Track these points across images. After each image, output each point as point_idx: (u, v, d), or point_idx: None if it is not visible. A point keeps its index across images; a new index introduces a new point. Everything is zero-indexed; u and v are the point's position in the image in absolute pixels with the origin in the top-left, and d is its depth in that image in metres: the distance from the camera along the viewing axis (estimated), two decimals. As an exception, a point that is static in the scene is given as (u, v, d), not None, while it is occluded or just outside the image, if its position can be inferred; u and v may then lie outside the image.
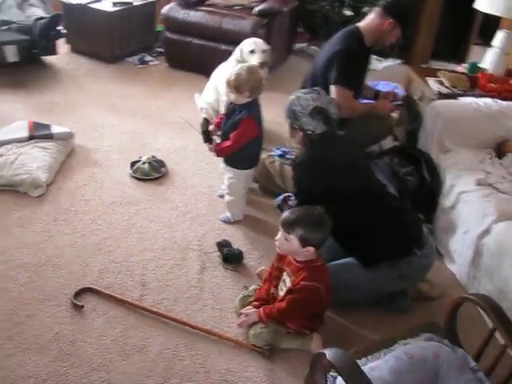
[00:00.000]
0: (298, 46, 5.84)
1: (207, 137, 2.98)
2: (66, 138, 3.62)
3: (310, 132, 2.50)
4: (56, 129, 3.63)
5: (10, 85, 4.49)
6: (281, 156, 3.70)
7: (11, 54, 4.32)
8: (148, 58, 5.26)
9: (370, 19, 3.23)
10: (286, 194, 3.27)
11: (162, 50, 5.28)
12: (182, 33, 4.91)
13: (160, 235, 3.02)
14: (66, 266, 2.73)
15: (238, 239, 3.03)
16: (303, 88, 3.38)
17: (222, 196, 3.28)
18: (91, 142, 3.81)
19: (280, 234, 2.30)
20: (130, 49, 5.19)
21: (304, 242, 2.22)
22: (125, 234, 2.99)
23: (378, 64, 5.64)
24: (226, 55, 4.56)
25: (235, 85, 2.82)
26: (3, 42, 4.24)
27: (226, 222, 3.16)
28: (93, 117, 4.16)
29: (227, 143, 2.90)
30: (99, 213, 3.14)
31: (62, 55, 5.02)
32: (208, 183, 3.49)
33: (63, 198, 3.23)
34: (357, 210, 2.43)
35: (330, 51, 3.18)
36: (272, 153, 3.71)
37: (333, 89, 3.17)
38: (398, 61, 5.80)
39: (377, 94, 3.60)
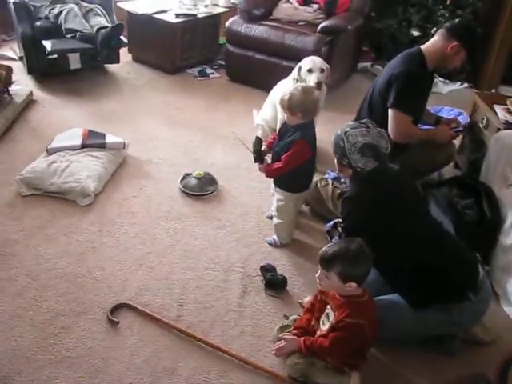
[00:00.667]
0: (362, 64, 5.68)
1: (259, 156, 2.88)
2: (119, 148, 3.60)
3: (359, 169, 2.35)
4: (109, 138, 3.62)
5: (71, 91, 4.56)
6: (335, 179, 3.55)
7: (74, 62, 4.38)
8: (209, 70, 5.23)
9: (434, 41, 3.05)
10: (337, 220, 3.13)
11: (223, 63, 5.24)
12: (243, 47, 4.85)
13: (204, 254, 2.93)
14: (106, 279, 2.68)
15: (283, 264, 2.91)
16: (361, 110, 3.27)
17: (270, 217, 3.16)
18: (144, 153, 3.78)
19: (320, 272, 2.17)
20: (192, 60, 5.18)
21: (344, 279, 2.08)
22: (168, 251, 2.92)
23: (443, 87, 5.41)
24: (287, 71, 4.47)
25: (288, 105, 2.71)
26: (67, 49, 4.30)
27: (273, 245, 3.05)
28: (148, 128, 4.14)
29: (278, 165, 2.79)
30: (145, 226, 3.08)
31: (124, 64, 5.07)
32: (257, 203, 3.39)
33: (110, 209, 3.20)
34: (408, 249, 2.27)
35: (389, 73, 3.02)
36: (326, 175, 3.57)
37: (390, 113, 3.01)
38: (465, 84, 5.54)
39: (438, 121, 3.40)
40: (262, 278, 2.78)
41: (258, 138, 2.93)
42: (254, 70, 4.84)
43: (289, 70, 4.52)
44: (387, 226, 2.27)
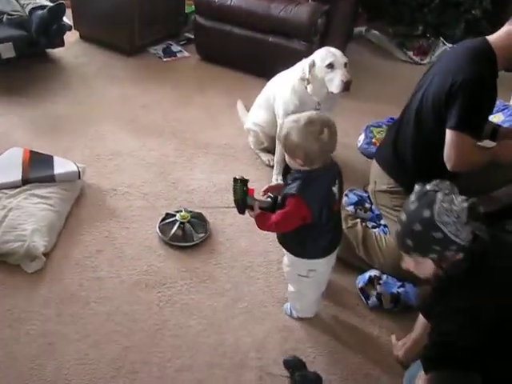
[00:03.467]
0: (356, 29, 4.79)
1: (243, 205, 1.98)
2: (73, 179, 2.72)
3: (453, 257, 1.58)
4: (59, 165, 2.74)
5: (5, 90, 3.58)
6: (357, 204, 2.77)
7: (6, 51, 3.39)
8: (175, 47, 4.28)
9: (505, 32, 2.22)
10: (373, 274, 2.39)
11: (192, 37, 4.28)
12: (218, 19, 3.91)
13: (203, 341, 2.15)
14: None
15: (311, 348, 2.17)
16: (402, 123, 2.46)
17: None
18: (105, 179, 2.91)
19: None
20: (154, 37, 4.20)
21: None
22: (154, 341, 2.13)
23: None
24: (275, 49, 3.64)
25: (284, 145, 1.88)
26: (-10, 40, 3.29)
27: (289, 316, 2.28)
28: (108, 138, 3.24)
29: (272, 219, 1.94)
30: (118, 301, 2.27)
31: (70, 45, 4.07)
32: (262, 248, 2.60)
33: (69, 275, 2.37)
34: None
35: (449, 78, 2.18)
36: (345, 199, 2.77)
37: (451, 135, 2.20)
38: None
39: (495, 130, 2.60)
40: (287, 376, 2.04)
41: (240, 180, 1.95)
42: (232, 47, 3.93)
43: (277, 48, 3.70)
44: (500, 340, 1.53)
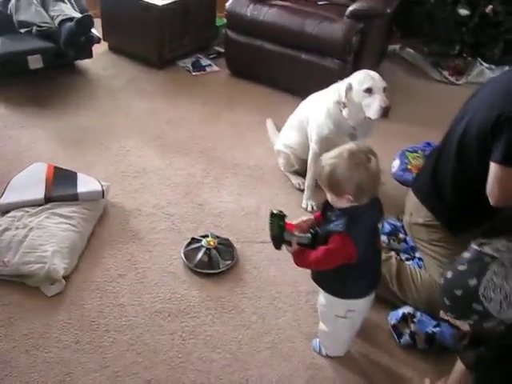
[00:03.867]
0: (389, 48, 4.65)
1: (280, 241, 1.87)
2: (96, 198, 2.64)
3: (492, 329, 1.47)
4: (83, 183, 2.66)
5: (31, 100, 3.53)
6: (390, 234, 2.65)
7: (34, 62, 3.34)
8: (205, 61, 4.19)
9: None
10: (406, 311, 2.26)
11: (222, 50, 4.20)
12: (249, 34, 3.82)
13: (227, 378, 2.04)
14: None
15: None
16: (444, 150, 2.33)
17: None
18: (130, 198, 2.82)
19: None
20: (184, 50, 4.11)
21: None
22: (176, 375, 2.03)
23: (490, 75, 4.43)
24: (307, 67, 3.55)
25: (329, 184, 1.73)
26: (22, 51, 3.24)
27: (318, 353, 2.16)
28: (133, 154, 3.15)
29: (309, 257, 1.82)
30: (139, 330, 2.17)
31: (99, 56, 4.00)
32: (291, 277, 2.48)
33: (89, 300, 2.27)
34: None
35: (497, 108, 2.04)
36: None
37: (496, 169, 2.06)
38: (506, 67, 4.56)
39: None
40: (314, 420, 1.92)
41: (275, 214, 1.84)
42: (263, 63, 3.83)
43: (309, 65, 3.59)
44: None
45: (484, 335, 1.59)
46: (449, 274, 1.51)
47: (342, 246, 1.72)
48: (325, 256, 1.75)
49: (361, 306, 1.95)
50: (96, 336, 2.13)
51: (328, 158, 1.73)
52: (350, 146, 1.75)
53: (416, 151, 3.11)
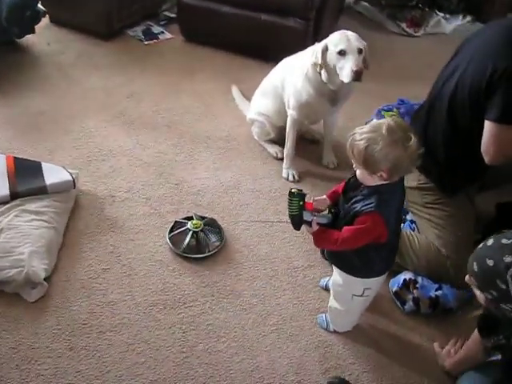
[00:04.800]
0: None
1: (299, 222, 1.77)
2: (67, 188, 2.44)
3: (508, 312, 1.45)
4: (50, 174, 2.44)
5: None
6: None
7: (-30, 41, 3.02)
8: (156, 28, 3.95)
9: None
10: (407, 277, 2.22)
11: (173, 16, 3.96)
12: (204, -3, 3.60)
13: (236, 368, 1.95)
14: None
15: (353, 363, 2.00)
16: (432, 112, 2.25)
17: (327, 289, 2.19)
18: (101, 184, 2.63)
19: None
20: (132, 18, 3.85)
21: None
22: (183, 371, 1.91)
23: (446, 25, 4.41)
24: (268, 28, 3.37)
25: (365, 159, 1.61)
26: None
27: (324, 328, 2.09)
28: (95, 135, 2.94)
29: (333, 237, 1.73)
30: (136, 327, 2.04)
31: (41, 30, 3.68)
32: (284, 252, 2.39)
33: (76, 301, 2.11)
34: None
35: (489, 63, 1.97)
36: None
37: (492, 127, 2.00)
38: (468, 18, 4.55)
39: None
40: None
41: (295, 193, 1.74)
42: (221, 27, 3.64)
43: (270, 26, 3.43)
44: None
45: (496, 316, 1.55)
46: (490, 242, 1.45)
47: (373, 226, 1.64)
48: (354, 236, 1.66)
49: (378, 283, 1.89)
50: (90, 340, 1.98)
51: (363, 132, 1.61)
52: (388, 121, 1.63)
53: (391, 109, 3.04)
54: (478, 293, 1.55)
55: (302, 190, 1.75)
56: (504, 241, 1.41)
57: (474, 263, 1.49)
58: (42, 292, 2.11)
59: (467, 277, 1.57)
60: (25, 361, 1.90)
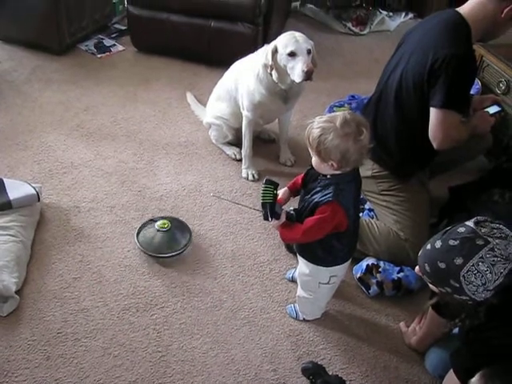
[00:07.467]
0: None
1: (272, 211, 1.83)
2: (32, 202, 2.45)
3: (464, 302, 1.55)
4: (13, 189, 2.45)
5: None
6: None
7: None
8: (108, 41, 3.98)
9: (479, 4, 2.15)
10: (370, 263, 2.32)
11: (123, 28, 4.01)
12: (153, 7, 3.66)
13: (212, 362, 2.01)
14: None
15: (324, 348, 2.09)
16: (380, 104, 2.37)
17: (293, 280, 2.27)
18: (65, 197, 2.66)
19: None
20: (83, 32, 3.87)
21: None
22: (160, 370, 1.97)
23: (390, 22, 4.58)
24: (218, 34, 3.46)
25: (317, 148, 1.71)
26: None
27: (295, 318, 2.18)
28: (55, 148, 2.96)
29: (297, 229, 1.82)
30: (110, 332, 2.08)
31: (-10, 49, 3.67)
32: (249, 249, 2.47)
33: (49, 311, 2.13)
34: None
35: (430, 54, 2.09)
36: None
37: (437, 114, 2.13)
38: (410, 15, 4.74)
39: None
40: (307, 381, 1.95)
41: (272, 182, 1.83)
42: (171, 36, 3.70)
43: (220, 33, 3.52)
44: None
45: (451, 303, 1.65)
46: (438, 244, 1.52)
47: (333, 215, 1.73)
48: (317, 225, 1.75)
49: (342, 270, 1.98)
50: (66, 347, 2.01)
51: (321, 121, 1.70)
52: (345, 114, 1.71)
53: (342, 105, 3.16)
54: (431, 285, 1.64)
55: (275, 181, 1.82)
56: (451, 242, 1.48)
57: (426, 264, 1.56)
58: (14, 305, 2.12)
59: (417, 269, 1.66)
60: (1, 375, 1.91)
